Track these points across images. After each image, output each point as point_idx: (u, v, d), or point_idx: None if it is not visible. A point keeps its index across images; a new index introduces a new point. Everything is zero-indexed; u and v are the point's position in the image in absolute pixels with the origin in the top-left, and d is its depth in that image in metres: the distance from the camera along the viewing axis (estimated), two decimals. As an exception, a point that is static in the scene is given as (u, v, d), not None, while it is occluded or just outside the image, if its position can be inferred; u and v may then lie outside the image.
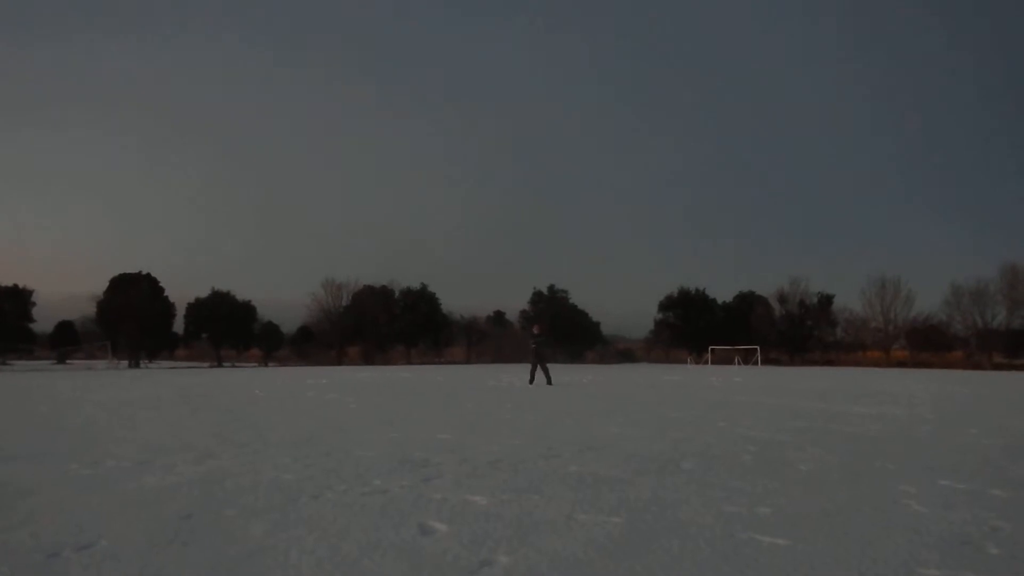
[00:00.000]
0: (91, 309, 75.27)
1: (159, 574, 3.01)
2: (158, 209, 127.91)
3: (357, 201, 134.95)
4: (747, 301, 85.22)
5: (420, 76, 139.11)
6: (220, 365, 70.19)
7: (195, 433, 8.34)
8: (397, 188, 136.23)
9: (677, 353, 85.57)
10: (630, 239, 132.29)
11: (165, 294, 75.79)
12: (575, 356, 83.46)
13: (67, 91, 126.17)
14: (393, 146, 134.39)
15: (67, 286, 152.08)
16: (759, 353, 71.88)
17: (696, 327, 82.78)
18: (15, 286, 71.58)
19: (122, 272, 74.72)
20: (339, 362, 75.87)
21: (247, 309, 79.36)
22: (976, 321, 71.21)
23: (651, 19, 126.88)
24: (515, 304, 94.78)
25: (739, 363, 70.78)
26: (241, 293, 79.87)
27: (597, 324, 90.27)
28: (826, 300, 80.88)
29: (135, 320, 68.69)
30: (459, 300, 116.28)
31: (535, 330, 23.47)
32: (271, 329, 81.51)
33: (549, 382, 20.88)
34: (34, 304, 73.72)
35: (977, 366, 63.94)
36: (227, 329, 76.89)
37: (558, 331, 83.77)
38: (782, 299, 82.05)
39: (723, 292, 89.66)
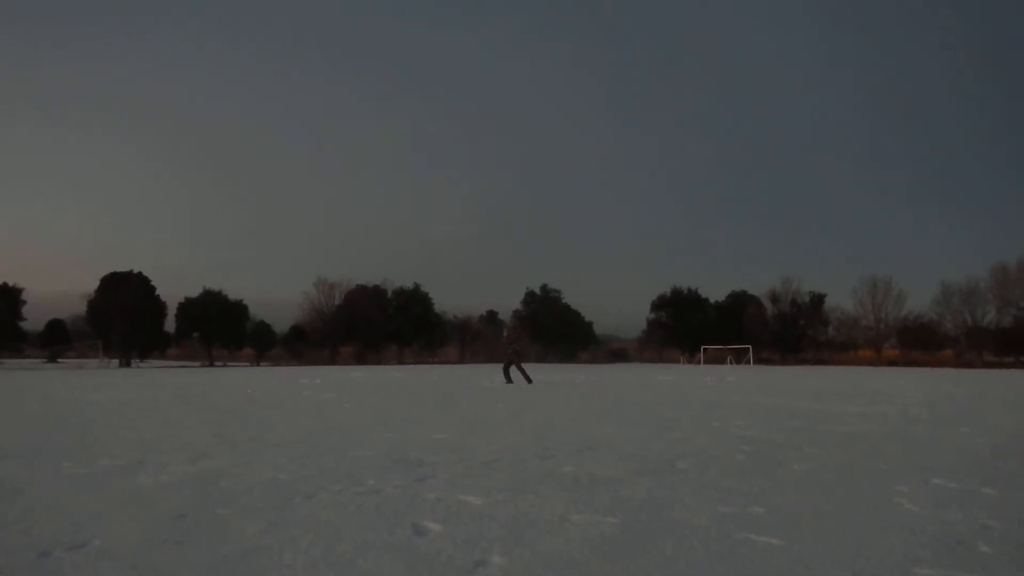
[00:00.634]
0: (82, 308, 75.11)
1: (153, 574, 3.00)
2: (150, 208, 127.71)
3: (350, 201, 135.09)
4: (739, 301, 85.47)
5: (416, 77, 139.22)
6: (212, 364, 70.08)
7: (188, 432, 8.32)
8: (391, 188, 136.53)
9: (670, 353, 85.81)
10: (623, 239, 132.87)
11: (156, 293, 75.66)
12: (568, 356, 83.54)
13: (61, 90, 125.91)
14: (387, 146, 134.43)
15: (58, 284, 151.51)
16: (751, 353, 71.97)
17: (689, 327, 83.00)
18: (5, 284, 71.31)
19: (113, 271, 74.51)
20: (332, 362, 75.81)
21: (239, 308, 79.27)
22: (966, 320, 71.65)
23: (646, 20, 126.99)
24: (509, 304, 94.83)
25: (731, 363, 70.96)
26: (233, 292, 79.91)
27: (590, 324, 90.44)
28: (818, 299, 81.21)
29: (126, 319, 68.50)
30: (452, 300, 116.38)
31: (504, 335, 23.83)
32: (263, 328, 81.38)
33: (509, 380, 21.36)
34: (24, 302, 73.45)
35: (968, 365, 64.28)
36: (219, 328, 76.78)
37: (550, 331, 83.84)
38: (774, 298, 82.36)
39: (715, 292, 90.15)
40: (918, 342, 74.57)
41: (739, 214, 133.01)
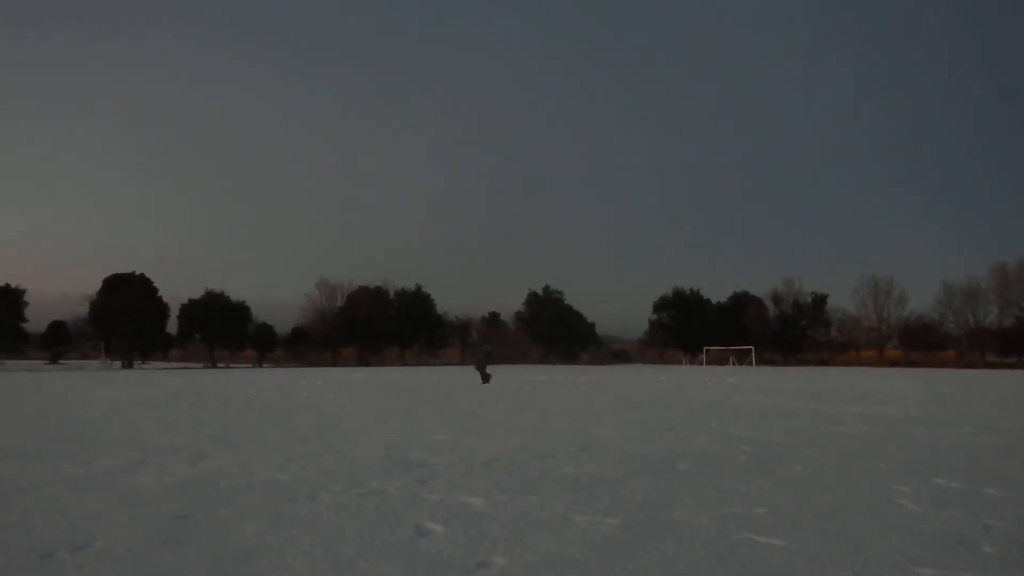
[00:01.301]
0: (84, 309, 75.09)
1: (155, 574, 3.00)
2: (152, 209, 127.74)
3: (352, 202, 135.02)
4: (741, 301, 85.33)
5: (417, 78, 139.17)
6: (214, 366, 70.04)
7: (189, 433, 8.32)
8: (392, 189, 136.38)
9: (672, 354, 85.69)
10: (625, 240, 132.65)
11: (159, 294, 75.54)
12: (569, 357, 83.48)
13: (63, 90, 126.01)
14: (388, 147, 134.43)
15: (60, 286, 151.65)
16: (753, 353, 71.86)
17: (690, 328, 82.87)
18: (7, 286, 71.28)
19: (115, 272, 74.47)
20: (333, 363, 75.79)
21: (241, 310, 79.22)
22: (968, 320, 71.54)
23: (646, 21, 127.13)
24: (511, 305, 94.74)
25: (734, 363, 70.86)
26: (235, 294, 79.76)
27: (592, 325, 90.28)
28: (820, 300, 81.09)
29: (128, 320, 68.47)
30: (454, 301, 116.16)
31: (477, 335, 24.49)
32: (265, 330, 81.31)
33: (485, 381, 21.67)
34: (26, 304, 73.38)
35: (969, 365, 64.21)
36: (221, 330, 76.71)
37: (551, 332, 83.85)
38: (776, 299, 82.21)
39: (717, 292, 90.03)
40: (920, 343, 74.47)
41: (741, 214, 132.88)
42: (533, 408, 12.28)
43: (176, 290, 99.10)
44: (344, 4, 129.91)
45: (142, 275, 74.70)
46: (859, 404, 13.39)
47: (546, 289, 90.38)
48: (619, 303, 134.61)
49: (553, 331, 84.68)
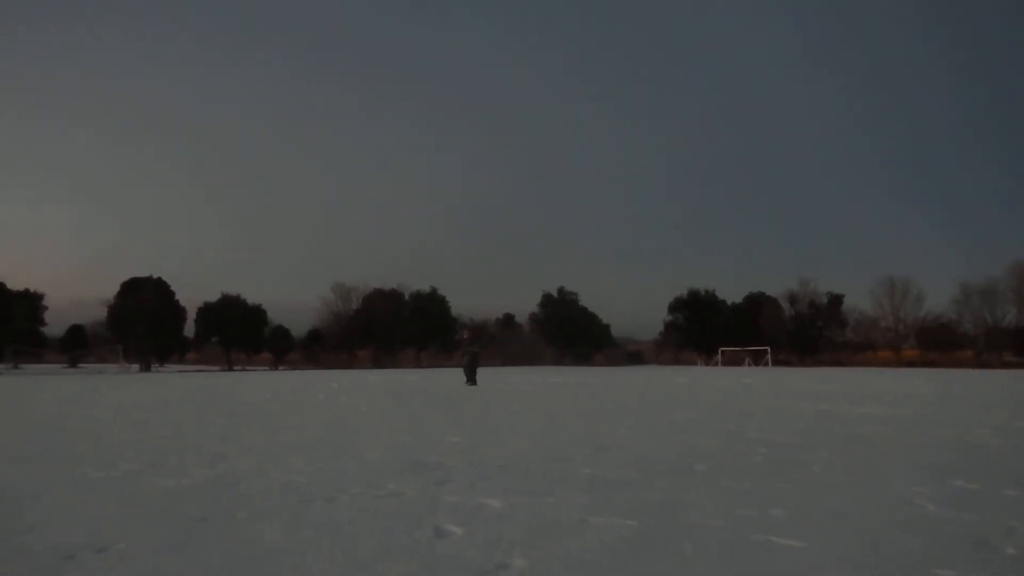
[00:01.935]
0: (102, 313, 75.67)
1: (176, 577, 3.03)
2: (168, 213, 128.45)
3: (367, 205, 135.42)
4: (756, 302, 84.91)
5: (429, 79, 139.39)
6: (231, 369, 70.33)
7: (207, 436, 8.38)
8: (407, 192, 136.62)
9: (687, 355, 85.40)
10: (639, 241, 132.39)
11: (175, 298, 76.00)
12: (584, 358, 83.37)
13: (78, 92, 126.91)
14: (403, 150, 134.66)
15: (79, 291, 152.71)
16: (769, 354, 71.49)
17: (705, 328, 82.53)
18: (26, 290, 71.86)
19: (132, 276, 75.02)
20: (349, 366, 75.95)
21: (257, 313, 79.53)
22: (986, 320, 70.94)
23: (661, 21, 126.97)
24: (525, 307, 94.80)
25: (749, 364, 70.47)
26: (251, 297, 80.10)
27: (606, 326, 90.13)
28: (836, 300, 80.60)
29: (145, 324, 68.89)
30: (469, 303, 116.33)
31: (465, 336, 24.56)
32: (281, 333, 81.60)
33: (473, 383, 21.91)
34: (45, 308, 73.94)
35: (987, 365, 63.63)
36: (237, 333, 77.07)
37: (566, 334, 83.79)
38: (792, 299, 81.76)
39: (732, 293, 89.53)
40: (937, 343, 73.86)
41: (756, 214, 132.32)
42: (548, 410, 12.28)
43: (193, 293, 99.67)
44: (352, 4, 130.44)
45: (159, 279, 75.20)
46: (875, 405, 13.32)
47: (560, 291, 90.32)
48: (633, 304, 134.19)
49: (567, 332, 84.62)
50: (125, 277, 75.17)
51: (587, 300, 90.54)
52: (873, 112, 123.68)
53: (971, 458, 6.43)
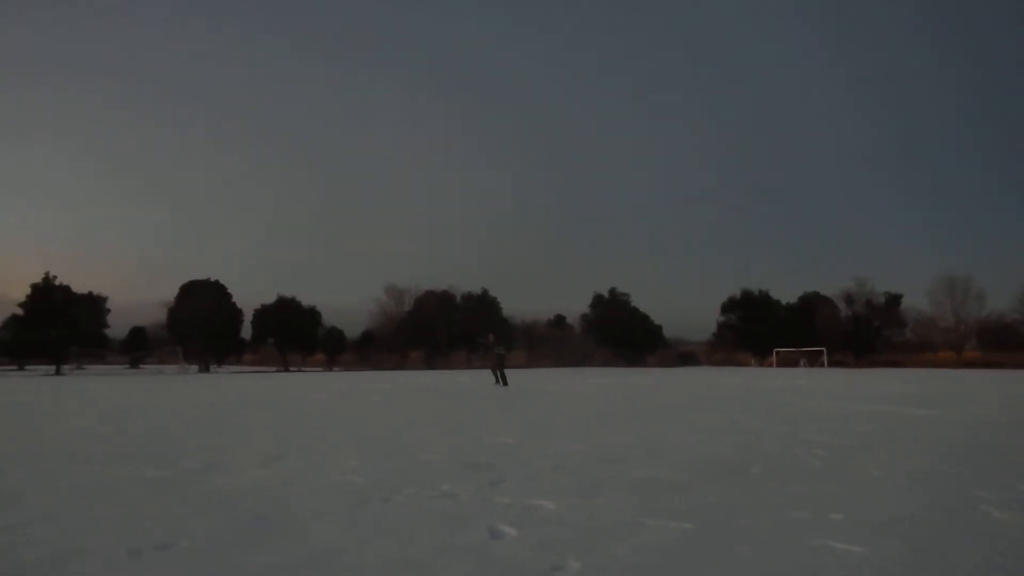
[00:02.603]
0: (162, 315, 77.47)
1: (235, 574, 3.08)
2: (226, 216, 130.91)
3: (420, 207, 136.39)
4: (811, 302, 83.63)
5: (482, 83, 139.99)
6: (286, 369, 71.39)
7: (263, 436, 8.52)
8: (459, 194, 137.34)
9: (740, 355, 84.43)
10: (692, 240, 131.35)
11: (232, 300, 77.41)
12: (635, 360, 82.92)
13: (147, 92, 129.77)
14: (455, 152, 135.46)
15: (140, 293, 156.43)
16: (825, 355, 70.29)
17: (759, 329, 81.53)
18: (90, 293, 73.77)
19: (191, 279, 76.61)
20: (401, 367, 76.56)
21: (312, 315, 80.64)
22: (1052, 319, 68.87)
23: (704, 19, 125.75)
24: (576, 308, 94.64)
25: (804, 365, 69.41)
26: (306, 299, 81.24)
27: (659, 327, 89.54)
28: (893, 300, 79.01)
29: (204, 326, 70.27)
30: (520, 304, 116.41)
31: (491, 338, 24.50)
32: (335, 334, 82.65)
33: (505, 383, 22.22)
34: (108, 311, 75.83)
35: (1054, 367, 61.65)
36: (293, 334, 78.22)
37: (618, 335, 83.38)
38: (848, 299, 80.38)
39: (786, 293, 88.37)
40: (1000, 343, 71.90)
41: (810, 213, 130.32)
42: (599, 411, 12.24)
43: (249, 296, 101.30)
44: (423, 10, 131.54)
45: (216, 281, 76.78)
46: (936, 406, 13.01)
47: (612, 291, 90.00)
48: (686, 305, 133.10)
49: (619, 333, 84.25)
50: (185, 280, 76.85)
51: (639, 301, 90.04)
52: (934, 106, 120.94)
53: (1038, 462, 6.24)
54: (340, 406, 13.88)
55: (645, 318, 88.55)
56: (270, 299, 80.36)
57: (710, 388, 22.01)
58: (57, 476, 5.60)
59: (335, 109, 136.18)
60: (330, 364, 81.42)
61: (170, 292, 78.16)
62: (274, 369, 72.15)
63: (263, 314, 79.05)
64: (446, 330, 79.89)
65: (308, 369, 75.32)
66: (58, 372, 59.52)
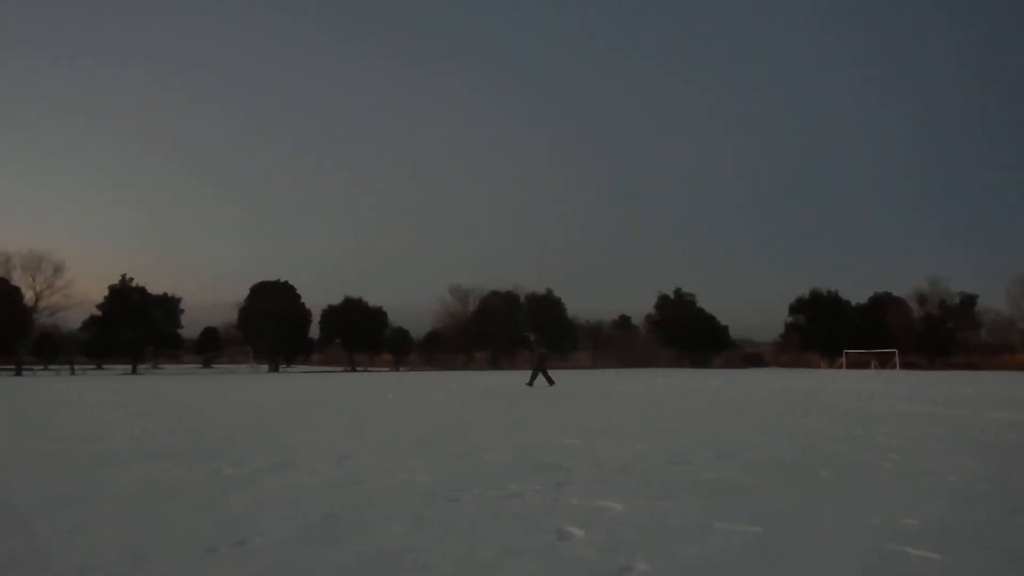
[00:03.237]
0: (233, 316, 79.35)
1: (308, 571, 3.14)
2: (297, 218, 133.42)
3: (485, 208, 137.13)
4: (882, 303, 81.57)
5: (548, 84, 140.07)
6: (353, 369, 72.39)
7: (332, 435, 8.65)
8: (524, 195, 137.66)
9: (808, 357, 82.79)
10: (759, 241, 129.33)
11: (301, 301, 78.82)
12: (701, 360, 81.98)
13: (231, 101, 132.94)
14: (520, 153, 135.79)
15: (213, 294, 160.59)
16: (897, 357, 68.49)
17: (828, 330, 79.82)
18: (165, 295, 75.86)
19: (262, 280, 78.23)
20: (466, 366, 77.02)
21: (378, 315, 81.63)
22: None
23: (765, 22, 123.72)
24: (641, 308, 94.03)
25: (875, 367, 67.72)
26: (372, 300, 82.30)
27: (725, 328, 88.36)
28: (969, 300, 76.63)
29: (273, 326, 71.68)
30: (584, 305, 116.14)
31: (532, 338, 24.44)
32: (401, 334, 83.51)
33: (550, 382, 22.31)
34: (182, 311, 77.90)
35: None
36: (359, 334, 79.29)
37: (684, 336, 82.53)
38: (921, 300, 78.21)
39: (856, 294, 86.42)
40: (1084, 345, 69.21)
41: (881, 212, 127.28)
42: (665, 412, 12.14)
43: (317, 297, 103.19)
44: (494, 19, 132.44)
45: (286, 282, 78.26)
46: (1014, 410, 12.58)
47: (677, 291, 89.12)
48: (752, 305, 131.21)
49: (684, 334, 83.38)
50: (255, 281, 78.52)
51: (704, 301, 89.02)
52: (1006, 105, 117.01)
53: None
54: (406, 406, 14.02)
55: (711, 319, 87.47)
56: (337, 300, 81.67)
57: (777, 390, 21.64)
58: (132, 472, 5.78)
59: (402, 112, 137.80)
60: (396, 364, 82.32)
61: (240, 293, 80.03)
62: (341, 369, 73.25)
63: (330, 314, 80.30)
64: (511, 330, 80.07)
65: (375, 369, 76.33)
66: (134, 371, 61.42)
